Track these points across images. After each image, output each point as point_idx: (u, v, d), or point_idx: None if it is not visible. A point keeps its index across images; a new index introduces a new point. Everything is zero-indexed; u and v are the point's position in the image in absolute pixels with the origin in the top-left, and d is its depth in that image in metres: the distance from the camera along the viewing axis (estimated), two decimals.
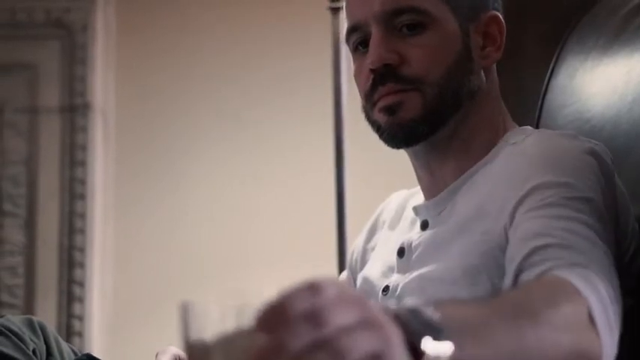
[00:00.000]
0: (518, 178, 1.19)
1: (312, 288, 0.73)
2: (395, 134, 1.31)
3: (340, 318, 0.72)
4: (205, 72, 3.16)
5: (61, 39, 3.15)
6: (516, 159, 1.24)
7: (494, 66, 1.37)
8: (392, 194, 1.53)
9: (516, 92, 1.58)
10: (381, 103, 1.31)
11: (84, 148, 3.09)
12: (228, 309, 0.73)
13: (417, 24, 1.30)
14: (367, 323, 0.74)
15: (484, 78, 1.34)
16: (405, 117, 1.29)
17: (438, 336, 0.81)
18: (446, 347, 0.80)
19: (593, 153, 1.22)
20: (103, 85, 3.15)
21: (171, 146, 3.14)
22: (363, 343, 0.72)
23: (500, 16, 1.35)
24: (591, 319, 0.99)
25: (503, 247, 1.19)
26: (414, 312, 0.81)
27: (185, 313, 0.76)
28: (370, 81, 1.31)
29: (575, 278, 1.00)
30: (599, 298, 1.00)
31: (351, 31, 1.34)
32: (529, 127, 1.39)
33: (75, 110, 3.10)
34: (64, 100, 3.11)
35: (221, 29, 3.17)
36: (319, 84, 2.75)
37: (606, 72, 1.49)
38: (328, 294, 0.73)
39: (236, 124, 3.11)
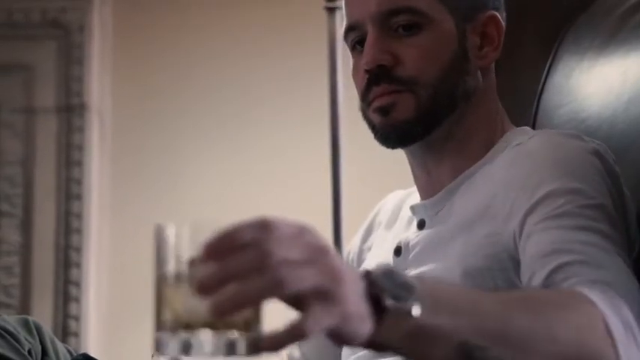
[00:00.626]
0: (527, 183, 1.18)
1: (264, 224, 0.79)
2: (388, 135, 1.31)
3: (287, 252, 0.76)
4: (202, 72, 3.15)
5: (58, 39, 3.14)
6: (523, 162, 1.23)
7: (493, 66, 1.36)
8: (388, 194, 1.52)
9: (513, 92, 1.58)
10: (375, 104, 1.31)
11: (80, 148, 3.08)
12: (201, 235, 0.76)
13: (412, 24, 1.29)
14: (316, 261, 0.77)
15: (481, 78, 1.33)
16: (398, 118, 1.29)
17: (409, 297, 0.83)
18: (412, 307, 0.83)
19: (596, 153, 1.22)
20: (99, 85, 3.15)
21: (167, 146, 3.13)
22: (307, 276, 0.76)
23: (499, 16, 1.34)
24: (608, 332, 0.98)
25: (510, 251, 1.19)
26: (388, 272, 0.84)
27: (159, 236, 0.79)
28: (365, 81, 1.31)
29: (595, 294, 1.00)
30: (620, 317, 0.99)
31: (349, 29, 1.34)
32: (528, 128, 1.39)
33: (71, 110, 3.10)
34: (61, 101, 3.11)
35: (217, 30, 3.17)
36: (316, 84, 2.75)
37: (602, 72, 1.49)
38: (281, 230, 0.78)
39: (232, 124, 3.11)
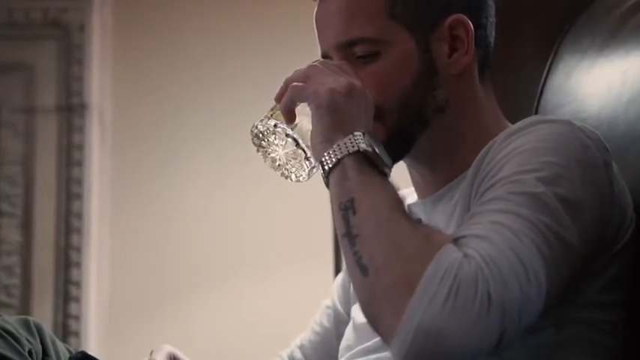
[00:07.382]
0: (492, 170, 1.18)
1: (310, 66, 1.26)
2: None
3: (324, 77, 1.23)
4: (202, 72, 3.16)
5: (58, 39, 3.15)
6: (502, 150, 1.22)
7: (473, 70, 1.33)
8: None
9: (512, 92, 1.58)
10: None
11: (81, 147, 3.09)
12: None
13: (369, 53, 1.29)
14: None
15: (457, 86, 1.32)
16: None
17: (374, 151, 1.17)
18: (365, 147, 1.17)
19: (580, 140, 1.18)
20: (99, 85, 3.15)
21: (167, 146, 3.14)
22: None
23: (464, 17, 1.31)
24: (423, 264, 1.04)
25: None
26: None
27: None
28: None
29: (450, 246, 1.05)
30: (449, 270, 1.02)
31: (324, 57, 1.35)
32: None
33: (72, 110, 3.10)
34: (61, 100, 3.11)
35: (217, 29, 3.17)
36: None
37: (602, 72, 1.49)
38: (318, 67, 1.25)
39: (232, 122, 3.11)
